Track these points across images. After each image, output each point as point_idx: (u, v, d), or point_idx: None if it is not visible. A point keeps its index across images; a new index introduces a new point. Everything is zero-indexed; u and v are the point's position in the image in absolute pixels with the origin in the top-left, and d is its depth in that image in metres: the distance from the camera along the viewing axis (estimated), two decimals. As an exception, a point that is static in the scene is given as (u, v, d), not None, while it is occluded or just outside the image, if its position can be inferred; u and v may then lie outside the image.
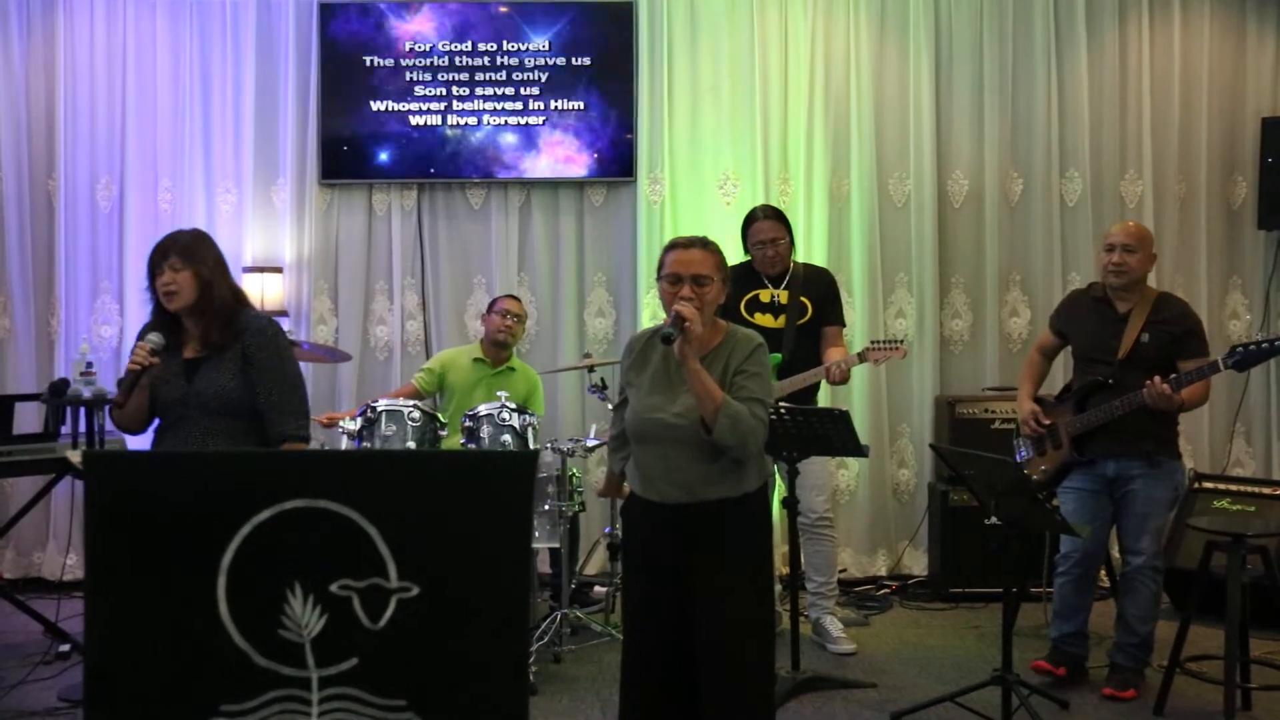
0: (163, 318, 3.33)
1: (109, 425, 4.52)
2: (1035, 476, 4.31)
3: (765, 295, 4.78)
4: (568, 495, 4.69)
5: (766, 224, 4.75)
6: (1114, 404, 4.12)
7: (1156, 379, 3.99)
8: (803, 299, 4.77)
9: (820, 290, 4.82)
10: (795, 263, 4.87)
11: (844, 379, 4.69)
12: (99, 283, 5.87)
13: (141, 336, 3.36)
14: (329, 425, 5.04)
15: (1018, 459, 4.43)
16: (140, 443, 4.87)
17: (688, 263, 3.04)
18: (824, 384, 4.91)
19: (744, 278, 4.70)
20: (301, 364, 4.78)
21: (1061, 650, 4.34)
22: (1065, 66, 6.03)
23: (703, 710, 2.99)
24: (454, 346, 5.65)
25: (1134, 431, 4.12)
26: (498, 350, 5.27)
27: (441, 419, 4.68)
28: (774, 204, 5.54)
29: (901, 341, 4.76)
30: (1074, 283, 5.93)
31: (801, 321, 4.75)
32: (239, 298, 3.41)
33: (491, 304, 5.39)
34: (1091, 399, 4.23)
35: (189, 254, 3.27)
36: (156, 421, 3.41)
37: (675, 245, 3.10)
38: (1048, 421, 4.35)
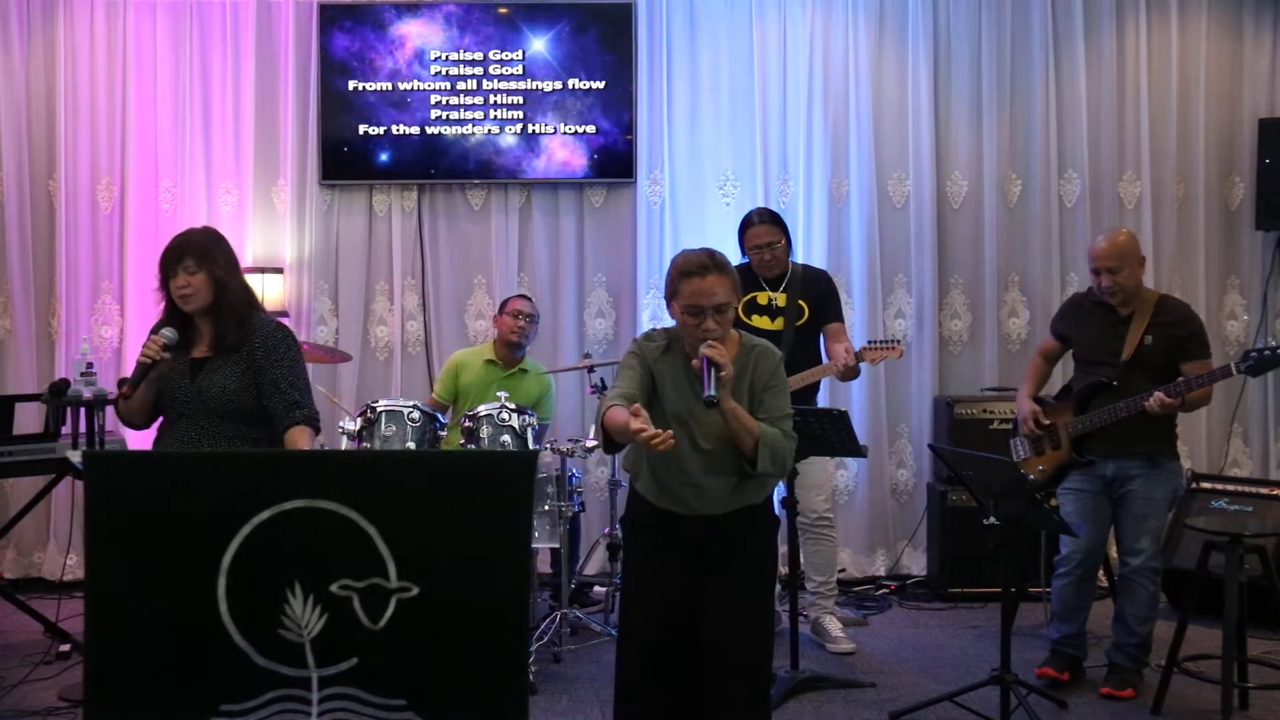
0: (174, 315, 3.34)
1: (109, 425, 4.53)
2: (1033, 477, 4.32)
3: (763, 298, 4.78)
4: (567, 495, 4.69)
5: (762, 228, 4.75)
6: (1117, 406, 4.12)
7: (1157, 394, 3.99)
8: (800, 302, 4.77)
9: (817, 291, 4.81)
10: (794, 265, 4.86)
11: (854, 373, 4.68)
12: (100, 283, 5.87)
13: (155, 332, 3.37)
14: None
15: (1015, 459, 4.43)
16: (141, 442, 4.90)
17: (709, 293, 2.94)
18: (822, 384, 4.91)
19: (742, 280, 4.69)
20: (305, 366, 4.79)
21: (1061, 654, 4.34)
22: (1063, 68, 6.03)
23: (705, 710, 3.00)
24: (458, 348, 5.64)
25: (1133, 432, 4.12)
26: (510, 351, 5.28)
27: (441, 419, 4.69)
28: (774, 205, 5.55)
29: (898, 341, 4.76)
30: (1072, 283, 5.94)
31: (799, 324, 4.75)
32: (250, 299, 3.42)
33: (503, 304, 5.39)
34: (1094, 400, 4.23)
35: (203, 255, 3.28)
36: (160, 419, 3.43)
37: (690, 272, 2.96)
38: (1047, 422, 4.36)
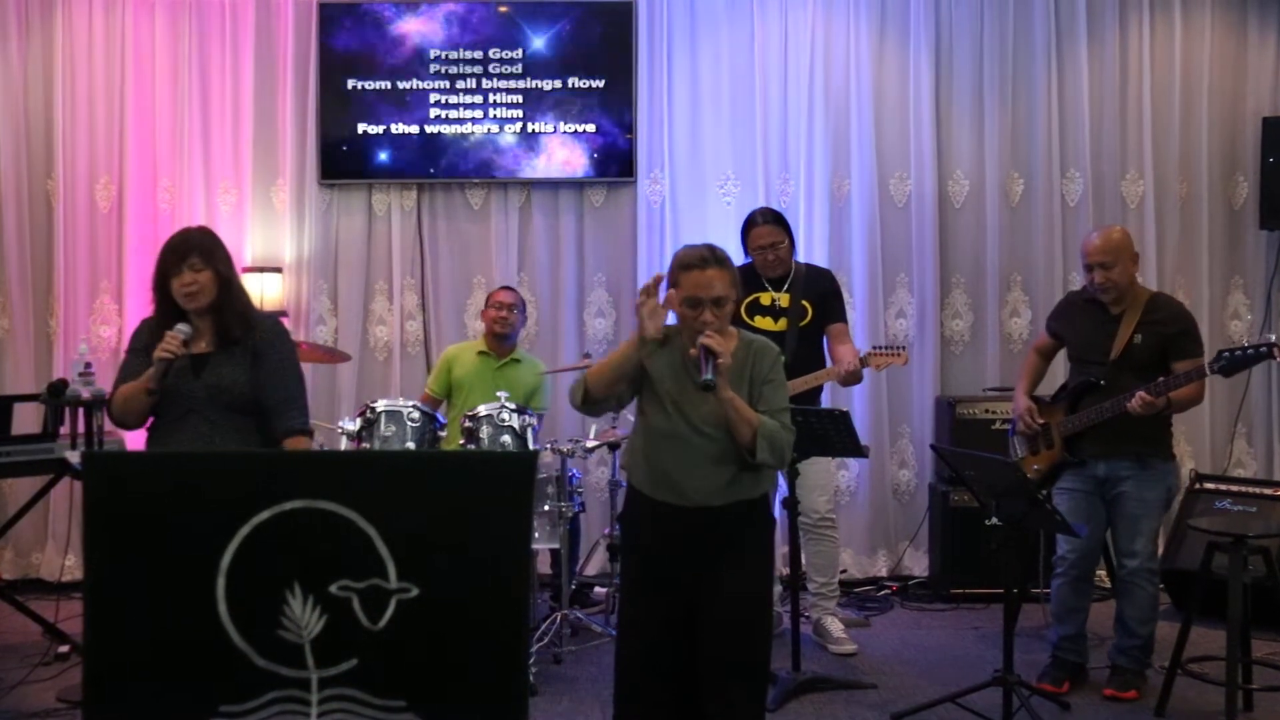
0: (167, 314, 3.33)
1: (108, 425, 4.52)
2: (1029, 475, 4.31)
3: (766, 298, 4.77)
4: (568, 496, 4.67)
5: (766, 228, 4.73)
6: (1104, 405, 4.12)
7: (1139, 394, 3.98)
8: (804, 302, 4.75)
9: (821, 291, 4.80)
10: (797, 265, 4.85)
11: (857, 378, 4.67)
12: (98, 283, 5.86)
13: (140, 332, 3.38)
14: None
15: (1012, 457, 4.43)
16: (140, 442, 4.88)
17: (707, 285, 2.94)
18: (825, 386, 4.89)
19: (745, 280, 4.67)
20: (301, 364, 4.78)
21: (1061, 661, 4.32)
22: (1066, 66, 6.01)
23: (706, 708, 2.99)
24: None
25: (1123, 432, 4.11)
26: (500, 342, 5.29)
27: (440, 419, 4.68)
28: (774, 204, 5.53)
29: (904, 348, 4.74)
30: (1074, 283, 5.92)
31: (803, 324, 4.73)
32: (248, 296, 3.51)
33: (488, 298, 5.42)
34: (1084, 400, 4.22)
35: (207, 253, 3.32)
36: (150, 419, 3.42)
37: (689, 265, 2.98)
38: (1042, 420, 4.35)
